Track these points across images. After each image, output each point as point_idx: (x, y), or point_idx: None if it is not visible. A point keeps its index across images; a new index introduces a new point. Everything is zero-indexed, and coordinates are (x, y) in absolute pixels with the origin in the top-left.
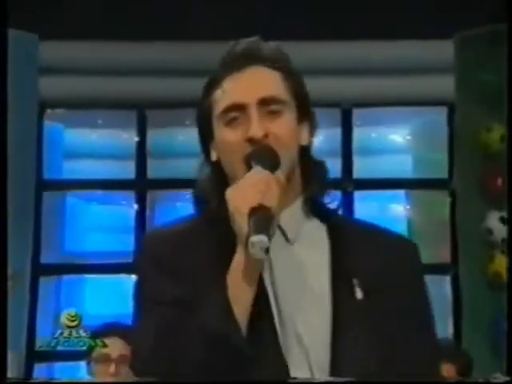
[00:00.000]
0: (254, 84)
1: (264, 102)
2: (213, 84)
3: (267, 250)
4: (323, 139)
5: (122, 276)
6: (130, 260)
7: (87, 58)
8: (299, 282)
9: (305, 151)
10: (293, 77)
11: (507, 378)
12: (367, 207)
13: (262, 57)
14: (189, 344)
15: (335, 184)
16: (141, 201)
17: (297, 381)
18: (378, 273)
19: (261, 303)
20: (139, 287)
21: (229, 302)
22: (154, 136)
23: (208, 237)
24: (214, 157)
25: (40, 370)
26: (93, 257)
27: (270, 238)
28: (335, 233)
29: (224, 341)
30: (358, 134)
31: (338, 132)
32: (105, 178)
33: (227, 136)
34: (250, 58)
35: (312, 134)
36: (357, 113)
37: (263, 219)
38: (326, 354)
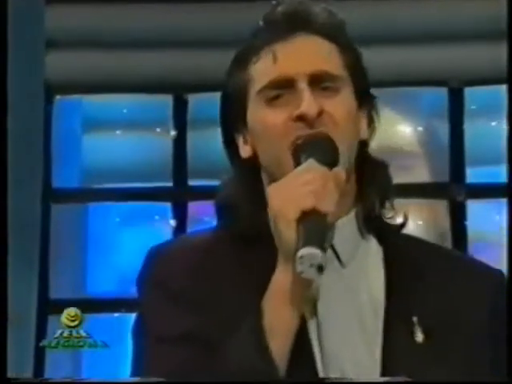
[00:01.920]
0: (303, 56)
1: (316, 79)
2: (248, 55)
3: (320, 269)
4: (424, 130)
5: None
6: None
7: (109, 26)
8: (348, 314)
9: (362, 147)
10: (350, 50)
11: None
12: (484, 222)
13: (312, 23)
14: None
15: (441, 191)
16: (179, 215)
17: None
18: (445, 310)
19: (299, 335)
20: (140, 319)
21: (264, 334)
22: (196, 130)
23: (233, 255)
24: (245, 152)
25: None
26: (117, 291)
27: (324, 253)
28: (393, 258)
29: None
30: (471, 121)
31: (444, 120)
32: (139, 186)
33: (270, 117)
34: (297, 24)
35: (371, 126)
36: (470, 93)
37: (317, 228)
38: None
